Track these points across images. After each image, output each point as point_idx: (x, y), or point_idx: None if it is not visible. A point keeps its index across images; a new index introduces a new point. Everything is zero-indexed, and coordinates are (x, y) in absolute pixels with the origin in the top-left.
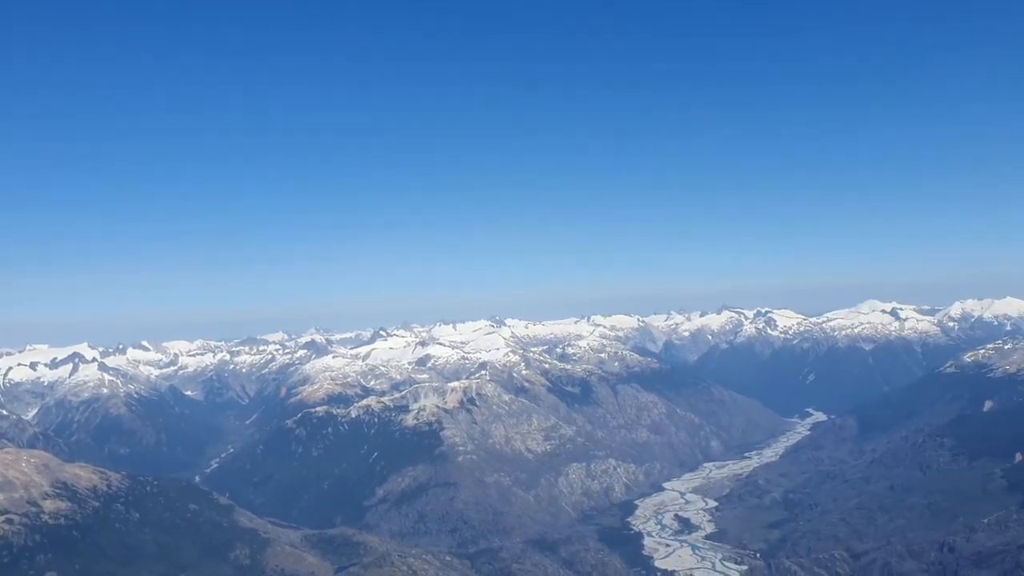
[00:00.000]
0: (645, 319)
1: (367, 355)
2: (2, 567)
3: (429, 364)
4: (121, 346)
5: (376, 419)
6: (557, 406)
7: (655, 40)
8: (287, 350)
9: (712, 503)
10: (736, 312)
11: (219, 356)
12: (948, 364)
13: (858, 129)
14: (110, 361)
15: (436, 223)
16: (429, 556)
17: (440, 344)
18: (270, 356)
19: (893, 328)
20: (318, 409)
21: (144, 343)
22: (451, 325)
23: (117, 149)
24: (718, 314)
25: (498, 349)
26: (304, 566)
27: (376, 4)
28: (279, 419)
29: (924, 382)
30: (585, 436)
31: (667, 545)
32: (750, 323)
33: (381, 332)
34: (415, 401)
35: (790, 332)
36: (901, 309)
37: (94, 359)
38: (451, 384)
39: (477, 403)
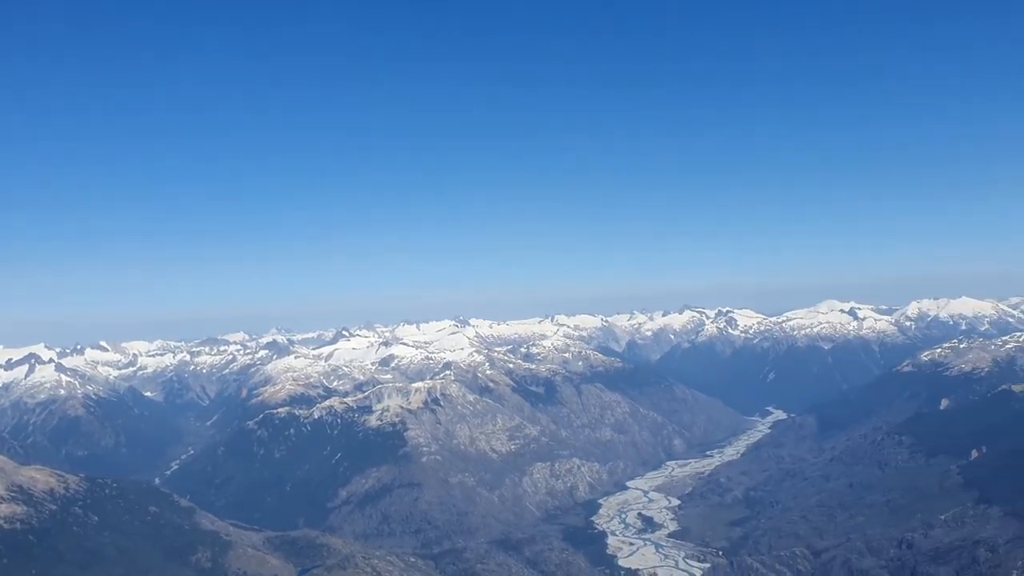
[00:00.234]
0: (608, 319)
1: (330, 355)
2: None
3: (393, 364)
4: (79, 346)
5: (339, 420)
6: (521, 406)
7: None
8: (248, 350)
9: (675, 501)
10: (698, 312)
11: (179, 357)
12: (905, 363)
13: (815, 132)
14: (68, 362)
15: (398, 224)
16: (393, 557)
17: (404, 344)
18: (231, 356)
19: (851, 328)
20: (280, 410)
21: (103, 343)
22: (415, 325)
23: (70, 148)
24: (680, 314)
25: (462, 349)
26: (267, 568)
27: None
28: (240, 420)
29: (882, 381)
30: (549, 436)
31: (631, 544)
32: (711, 323)
33: (344, 332)
34: (379, 402)
35: (751, 332)
36: (859, 309)
37: (51, 360)
38: (415, 384)
39: (441, 403)
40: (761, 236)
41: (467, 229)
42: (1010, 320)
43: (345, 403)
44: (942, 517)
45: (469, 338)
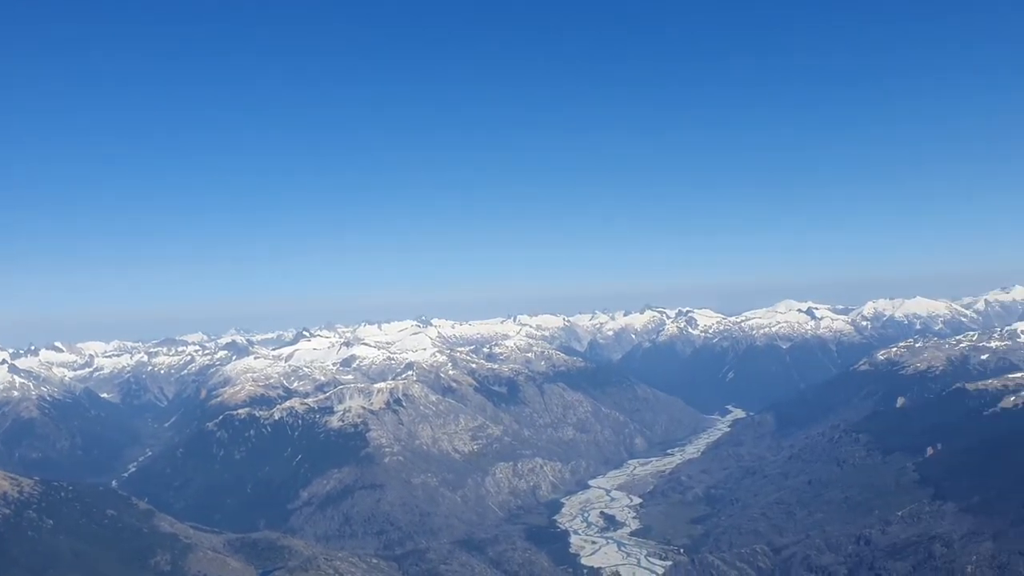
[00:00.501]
0: (570, 319)
1: (290, 356)
2: None
3: (354, 365)
4: (33, 347)
5: (300, 421)
6: (484, 406)
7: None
8: (207, 351)
9: (637, 500)
10: (658, 311)
11: (136, 357)
12: (862, 362)
13: (772, 135)
14: (21, 363)
15: (358, 224)
16: (355, 559)
17: (365, 344)
18: (189, 357)
19: (809, 327)
20: (240, 411)
21: (58, 344)
22: (376, 325)
23: (23, 146)
24: (641, 313)
25: (425, 349)
26: (228, 571)
27: None
28: (199, 421)
29: (839, 379)
30: (512, 435)
31: (593, 542)
32: (672, 322)
33: (304, 333)
34: (340, 402)
35: (710, 331)
36: (816, 308)
37: (4, 361)
38: (377, 385)
39: (404, 404)
40: (720, 237)
41: (428, 229)
42: (963, 320)
43: (306, 404)
44: (899, 513)
45: (431, 338)
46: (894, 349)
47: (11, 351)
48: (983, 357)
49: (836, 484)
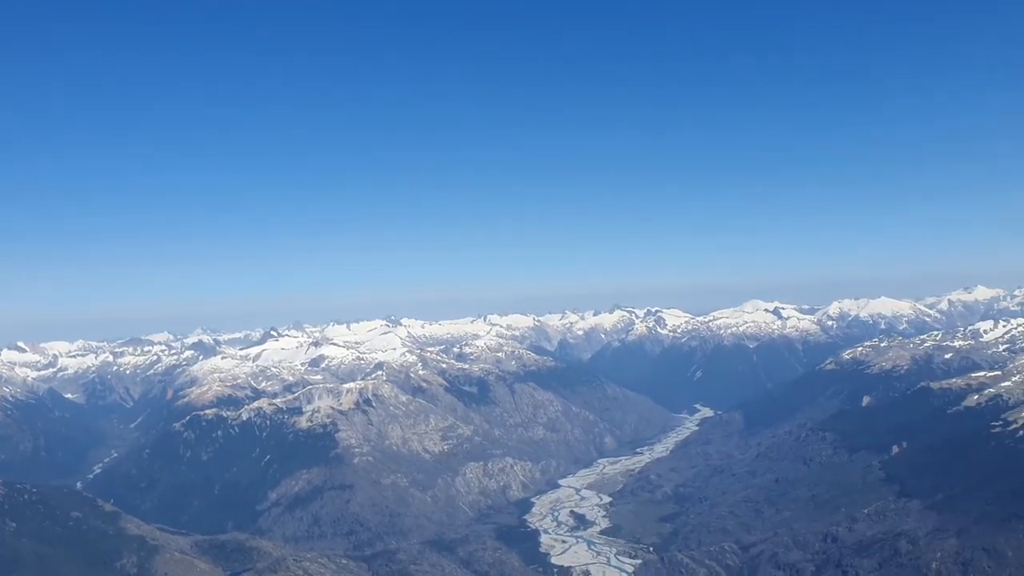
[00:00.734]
0: (541, 318)
1: (258, 356)
2: None
3: (323, 365)
4: None
5: (268, 421)
6: (455, 406)
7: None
8: (173, 351)
9: (606, 499)
10: (628, 311)
11: (101, 357)
12: (828, 361)
13: (737, 135)
14: None
15: (326, 223)
16: (325, 560)
17: (334, 344)
18: (155, 357)
19: (776, 327)
20: (207, 411)
21: (20, 344)
22: (345, 325)
23: None
24: (611, 313)
25: (394, 349)
26: (195, 573)
27: None
28: (166, 422)
29: (806, 378)
30: (483, 435)
31: (563, 542)
32: (641, 322)
33: (272, 332)
34: (309, 403)
35: (679, 331)
36: (783, 308)
37: None
38: (346, 385)
39: (373, 404)
40: (689, 237)
41: (397, 229)
42: (927, 319)
43: (274, 404)
44: (865, 511)
45: (401, 338)
46: (859, 349)
47: None
48: (947, 356)
49: (803, 482)
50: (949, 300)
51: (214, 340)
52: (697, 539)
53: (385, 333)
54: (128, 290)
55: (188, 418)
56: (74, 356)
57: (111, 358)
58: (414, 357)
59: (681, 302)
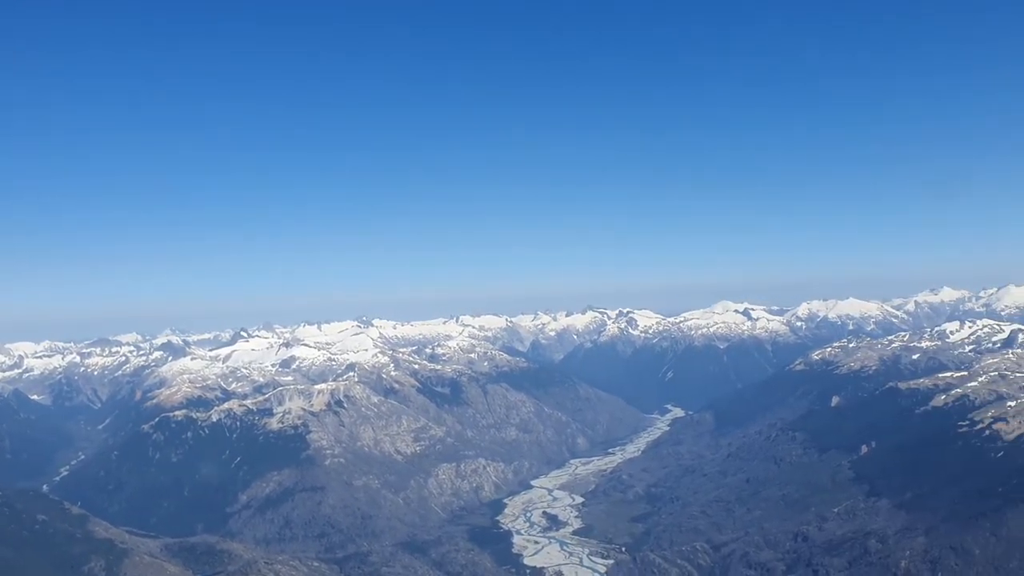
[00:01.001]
0: (513, 319)
1: (227, 357)
2: None
3: (294, 366)
4: None
5: (238, 423)
6: (427, 407)
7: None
8: (142, 352)
9: (579, 499)
10: (600, 312)
11: (68, 358)
12: (798, 362)
13: (707, 138)
14: None
15: (297, 223)
16: (296, 562)
17: (305, 345)
18: (123, 358)
19: (745, 327)
20: (176, 413)
21: None
22: (316, 326)
23: None
24: (583, 314)
25: (366, 350)
26: None
27: None
28: (135, 424)
29: (776, 379)
30: (455, 436)
31: (536, 542)
32: (613, 323)
33: (242, 333)
34: (280, 404)
35: (650, 331)
36: (753, 309)
37: None
38: (318, 386)
39: (345, 405)
40: (660, 238)
41: (368, 230)
42: (894, 320)
43: (245, 405)
44: (835, 510)
45: (373, 339)
46: (828, 349)
47: None
48: (914, 357)
49: (774, 482)
50: (916, 301)
51: (183, 341)
52: (669, 539)
53: (357, 334)
54: (96, 290)
55: (157, 419)
56: (40, 357)
57: (78, 359)
58: (386, 358)
59: (653, 303)
